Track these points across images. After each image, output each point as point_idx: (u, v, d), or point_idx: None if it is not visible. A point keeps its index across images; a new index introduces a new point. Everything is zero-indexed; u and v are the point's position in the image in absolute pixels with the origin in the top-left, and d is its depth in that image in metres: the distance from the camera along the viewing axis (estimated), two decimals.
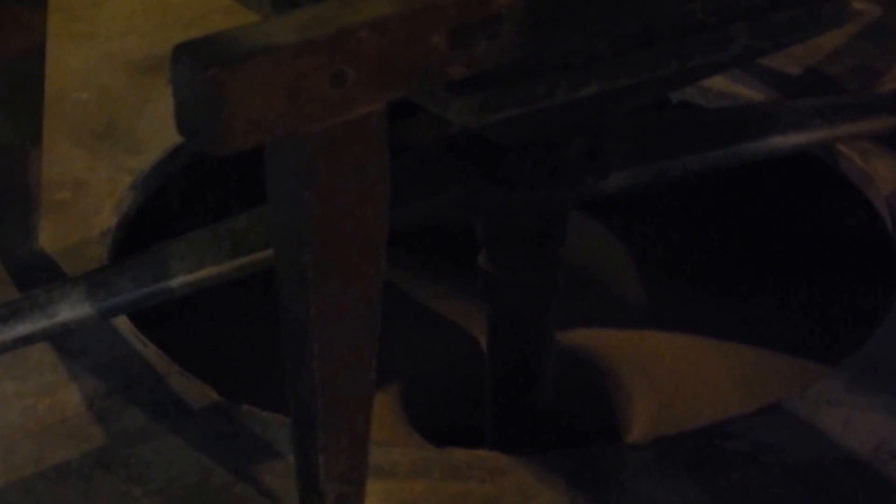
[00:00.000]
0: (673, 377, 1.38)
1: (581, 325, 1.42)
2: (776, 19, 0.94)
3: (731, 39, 0.93)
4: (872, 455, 1.05)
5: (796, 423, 1.09)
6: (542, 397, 1.21)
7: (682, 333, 1.42)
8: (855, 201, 1.35)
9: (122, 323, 1.18)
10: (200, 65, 0.76)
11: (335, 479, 0.93)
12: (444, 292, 1.44)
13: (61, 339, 1.15)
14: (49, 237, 1.26)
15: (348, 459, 0.93)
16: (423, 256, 1.45)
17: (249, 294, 1.24)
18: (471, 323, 1.39)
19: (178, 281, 1.05)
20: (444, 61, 0.81)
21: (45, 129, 1.21)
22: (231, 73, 0.76)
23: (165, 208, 1.36)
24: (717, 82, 1.40)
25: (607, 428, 1.35)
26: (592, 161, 1.06)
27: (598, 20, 0.88)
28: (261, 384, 1.21)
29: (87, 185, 1.32)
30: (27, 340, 1.05)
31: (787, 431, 1.08)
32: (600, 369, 1.39)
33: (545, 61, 0.88)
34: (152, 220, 1.33)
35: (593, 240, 1.47)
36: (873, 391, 1.11)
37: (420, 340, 1.41)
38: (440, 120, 0.88)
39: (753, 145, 1.18)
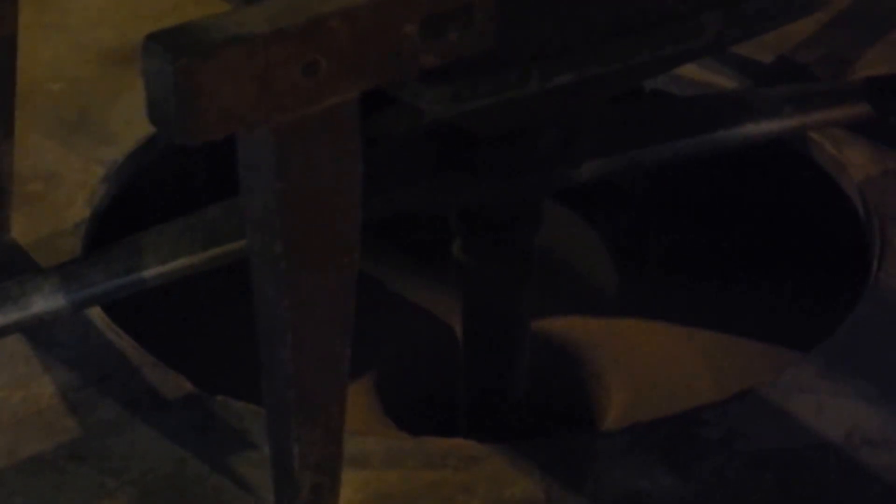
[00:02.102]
0: (647, 365, 1.38)
1: (555, 314, 1.42)
2: (748, 7, 0.94)
3: (703, 28, 0.93)
4: (844, 441, 1.06)
5: (769, 409, 1.09)
6: (517, 386, 1.21)
7: (656, 321, 1.42)
8: (827, 189, 1.35)
9: (96, 314, 1.17)
10: (172, 55, 0.76)
11: (310, 469, 0.92)
12: (419, 282, 1.44)
13: (34, 331, 1.14)
14: (21, 229, 1.25)
15: (323, 449, 0.92)
16: (397, 246, 1.45)
17: (223, 285, 1.24)
18: (445, 312, 1.39)
19: (151, 272, 1.05)
20: (416, 51, 0.81)
21: (16, 120, 1.21)
22: (202, 63, 0.76)
23: (138, 200, 1.35)
24: (690, 70, 1.40)
25: (582, 416, 1.35)
26: (565, 150, 1.06)
27: (570, 9, 0.88)
28: (235, 375, 1.20)
29: (60, 177, 1.31)
30: (0, 332, 1.05)
31: (760, 418, 1.08)
32: (575, 358, 1.39)
33: (517, 51, 0.87)
34: (125, 212, 1.32)
35: (567, 228, 1.47)
36: (845, 378, 1.11)
37: (394, 330, 1.41)
38: (413, 110, 0.88)
39: (726, 133, 1.18)
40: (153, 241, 1.05)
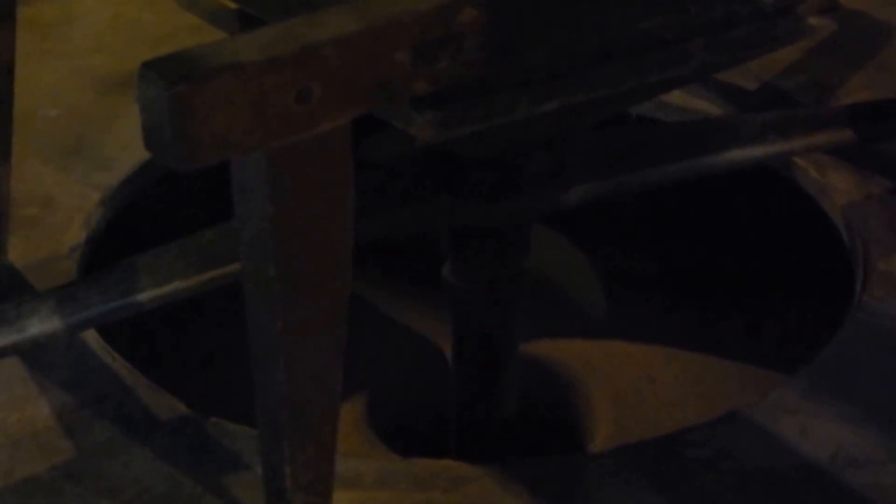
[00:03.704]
0: (634, 387, 1.39)
1: (545, 337, 1.42)
2: (733, 35, 0.94)
3: (689, 55, 0.93)
4: (829, 462, 1.06)
5: (754, 430, 1.09)
6: (506, 408, 1.22)
7: (643, 344, 1.42)
8: (811, 213, 1.36)
9: (91, 337, 1.17)
10: (167, 82, 0.76)
11: (302, 490, 0.92)
12: (409, 304, 1.45)
13: (31, 354, 1.14)
14: (18, 252, 1.26)
15: (315, 470, 0.92)
16: (389, 269, 1.45)
17: (217, 308, 1.24)
18: (435, 334, 1.39)
19: (146, 295, 1.05)
20: (407, 77, 0.82)
21: (14, 145, 1.21)
22: (197, 90, 0.76)
23: (134, 224, 1.35)
24: (676, 97, 1.41)
25: (570, 438, 1.36)
26: (554, 175, 1.06)
27: (559, 37, 0.89)
28: (228, 397, 1.20)
29: (56, 202, 1.32)
30: None
31: (745, 439, 1.08)
32: (563, 380, 1.40)
33: (506, 77, 0.88)
34: (121, 236, 1.32)
35: (556, 252, 1.48)
36: (830, 399, 1.11)
37: (386, 352, 1.41)
38: (404, 135, 0.88)
39: (711, 159, 1.19)
40: (148, 265, 1.05)
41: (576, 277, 1.49)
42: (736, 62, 1.00)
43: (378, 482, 1.05)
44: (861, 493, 1.03)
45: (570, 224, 1.44)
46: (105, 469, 1.06)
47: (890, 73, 1.43)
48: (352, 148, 0.83)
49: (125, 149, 1.36)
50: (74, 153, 1.37)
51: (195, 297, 1.07)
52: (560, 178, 1.06)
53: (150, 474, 1.05)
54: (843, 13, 1.51)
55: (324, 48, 0.79)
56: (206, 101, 0.76)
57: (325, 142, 0.82)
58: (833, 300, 1.31)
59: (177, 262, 1.05)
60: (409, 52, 0.81)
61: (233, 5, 1.01)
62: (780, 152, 1.22)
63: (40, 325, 1.05)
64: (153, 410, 1.11)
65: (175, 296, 1.05)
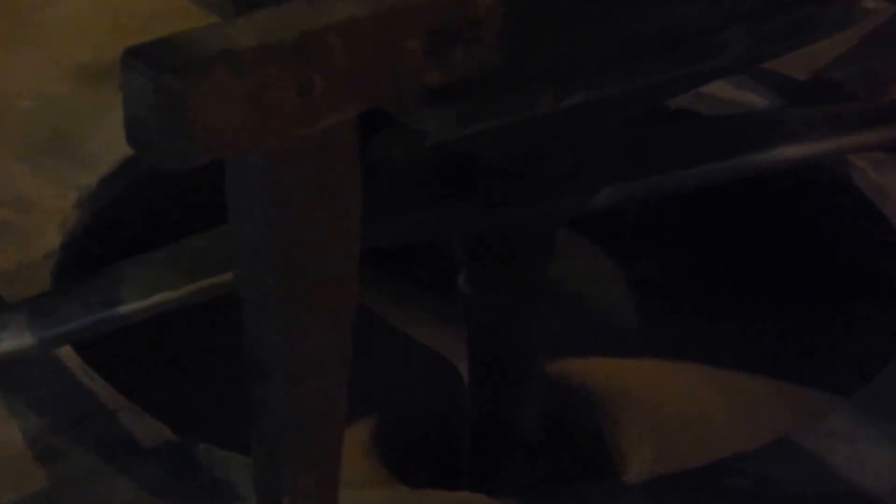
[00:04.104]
0: (671, 409, 1.39)
1: (570, 353, 1.43)
2: (777, 22, 0.94)
3: (730, 43, 0.94)
4: (889, 495, 1.06)
5: (806, 458, 1.09)
6: (528, 432, 1.23)
7: (681, 361, 1.42)
8: (869, 216, 1.36)
9: (67, 353, 1.18)
10: (153, 72, 0.77)
11: None
12: (422, 317, 1.45)
13: (1, 372, 1.15)
14: None
15: (316, 501, 0.93)
16: (399, 279, 1.45)
17: (207, 321, 1.25)
18: (450, 351, 1.39)
19: (130, 307, 1.06)
20: (419, 69, 0.82)
21: None
22: (188, 82, 0.77)
23: (116, 228, 1.36)
24: (716, 88, 1.41)
25: (600, 466, 1.36)
26: (579, 176, 1.07)
27: (585, 25, 0.89)
28: (220, 420, 1.21)
29: (31, 203, 1.32)
30: None
31: (795, 466, 1.09)
32: (592, 401, 1.40)
33: (528, 69, 0.89)
34: (101, 241, 1.33)
35: (583, 260, 1.48)
36: (890, 425, 1.11)
37: (395, 370, 1.42)
38: (415, 132, 0.89)
39: (755, 157, 1.19)
40: (132, 273, 1.06)
41: (604, 288, 1.50)
42: (781, 52, 1.00)
43: None
44: None
45: (589, 226, 1.44)
46: (86, 498, 1.07)
47: None
48: (358, 146, 0.84)
49: (107, 145, 1.37)
50: (51, 150, 1.38)
51: (184, 309, 1.08)
52: (586, 179, 1.07)
53: None
54: None
55: (327, 35, 0.80)
56: (198, 94, 0.77)
57: (328, 139, 0.83)
58: (893, 313, 1.31)
59: (164, 271, 1.06)
60: (421, 40, 0.82)
61: None
62: (832, 149, 1.23)
63: (11, 339, 1.06)
64: (136, 435, 1.12)
65: (162, 308, 1.06)
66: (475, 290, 1.15)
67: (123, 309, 1.06)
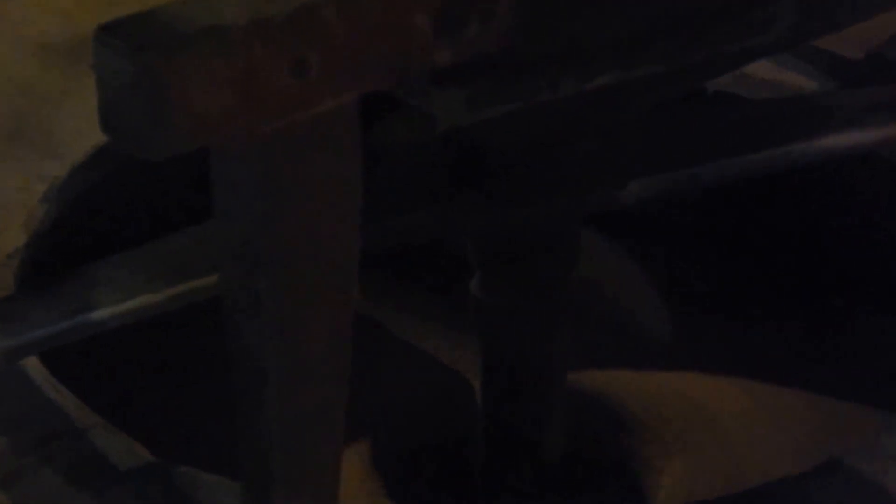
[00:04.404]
0: (706, 427, 1.39)
1: (595, 365, 1.43)
2: None
3: (775, 18, 0.94)
4: None
5: (858, 481, 1.09)
6: (549, 454, 1.23)
7: (720, 375, 1.42)
8: None
9: (33, 365, 1.18)
10: (131, 50, 0.77)
11: None
12: (429, 326, 1.45)
13: None
14: None
15: None
16: (403, 282, 1.46)
17: (191, 328, 1.25)
18: (461, 363, 1.40)
19: (104, 313, 1.06)
20: (428, 46, 0.83)
21: None
22: (169, 60, 0.77)
23: (88, 224, 1.36)
24: (762, 69, 1.41)
25: (627, 491, 1.36)
26: (607, 168, 1.07)
27: None
28: (204, 440, 1.21)
29: None
30: None
31: (847, 492, 1.09)
32: (618, 418, 1.40)
33: (548, 47, 0.89)
34: (71, 239, 1.33)
35: (610, 262, 1.48)
36: None
37: (399, 385, 1.42)
38: (423, 118, 0.89)
39: (805, 145, 1.20)
40: (106, 275, 1.06)
41: (634, 293, 1.50)
42: (833, 28, 1.00)
43: None
44: None
45: (628, 227, 1.44)
46: None
47: None
48: (360, 133, 0.84)
49: (79, 132, 1.37)
50: (15, 137, 1.38)
51: (165, 315, 1.08)
52: (614, 171, 1.07)
53: None
54: None
55: (324, 9, 0.80)
56: (181, 74, 0.78)
57: (326, 125, 0.83)
58: None
59: (142, 273, 1.06)
60: (430, 15, 0.82)
61: None
62: (888, 137, 1.23)
63: None
64: (110, 456, 1.12)
65: (140, 313, 1.06)
66: (489, 296, 1.15)
67: (96, 315, 1.06)
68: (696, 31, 0.92)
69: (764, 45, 0.95)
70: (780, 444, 1.37)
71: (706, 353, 1.44)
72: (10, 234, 1.30)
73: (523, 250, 1.12)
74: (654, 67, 0.92)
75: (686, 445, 1.38)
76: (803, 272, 1.48)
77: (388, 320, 1.45)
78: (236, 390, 0.91)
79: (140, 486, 1.10)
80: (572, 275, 1.16)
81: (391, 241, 1.07)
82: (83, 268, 1.07)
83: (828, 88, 1.41)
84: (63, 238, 1.34)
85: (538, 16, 0.85)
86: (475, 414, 1.25)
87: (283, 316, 0.87)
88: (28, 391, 1.17)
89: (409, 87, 0.88)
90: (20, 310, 1.07)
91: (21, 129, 1.39)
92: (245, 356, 0.89)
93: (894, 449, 1.12)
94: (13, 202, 1.32)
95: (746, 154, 1.18)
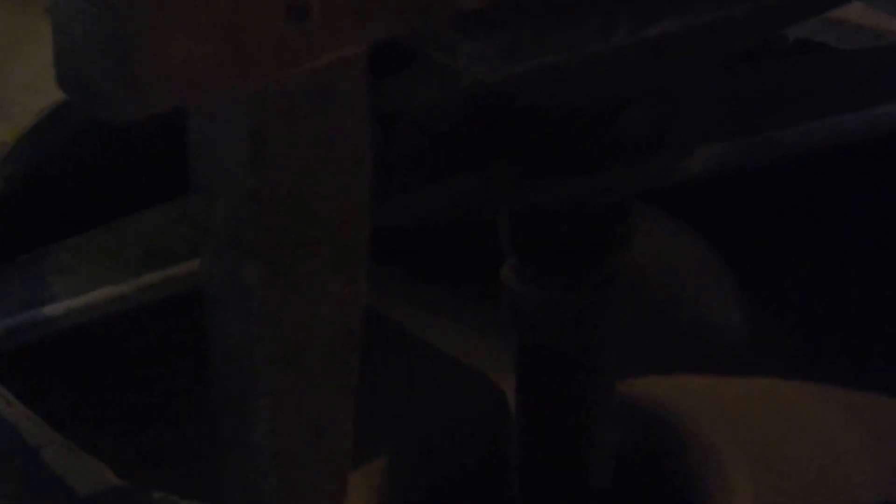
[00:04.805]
0: (787, 445, 1.39)
1: (653, 370, 1.43)
2: None
3: None
4: None
5: None
6: (596, 473, 1.23)
7: (802, 382, 1.42)
8: None
9: None
10: None
11: None
12: (453, 322, 1.45)
13: None
14: None
15: None
16: (422, 271, 1.46)
17: (163, 325, 1.25)
18: (491, 366, 1.40)
19: (60, 307, 1.06)
20: None
21: None
22: (143, 3, 0.77)
23: (41, 200, 1.37)
24: (855, 11, 1.41)
25: None
26: (667, 132, 1.07)
27: None
28: (179, 459, 1.21)
29: None
30: None
31: None
32: (680, 433, 1.40)
33: None
34: (21, 218, 1.34)
35: (674, 245, 1.48)
36: None
37: (418, 393, 1.42)
38: (445, 72, 0.89)
39: None
40: (63, 262, 1.07)
41: (702, 284, 1.50)
42: None
43: None
44: None
45: (696, 205, 1.44)
46: None
47: None
48: (369, 92, 0.84)
49: (29, 88, 1.38)
50: None
51: (133, 310, 1.08)
52: (677, 136, 1.07)
53: None
54: None
55: None
56: (156, 18, 0.77)
57: (328, 81, 0.83)
58: None
59: (106, 259, 1.06)
60: None
61: None
62: None
63: None
64: (70, 479, 1.12)
65: (103, 308, 1.06)
66: (525, 286, 1.15)
67: (51, 310, 1.06)
68: None
69: None
70: (874, 463, 1.37)
71: (791, 357, 1.44)
72: None
73: (566, 231, 1.12)
74: (725, 11, 0.92)
75: (760, 464, 1.38)
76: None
77: (402, 318, 1.45)
78: (219, 401, 0.91)
79: None
80: (625, 261, 1.16)
81: (409, 220, 1.07)
82: (34, 253, 1.07)
83: None
84: (9, 218, 1.34)
85: None
86: (508, 426, 1.25)
87: (275, 312, 0.87)
88: None
89: (428, 36, 0.88)
90: None
91: None
92: (230, 358, 0.89)
93: None
94: None
95: (837, 115, 1.17)
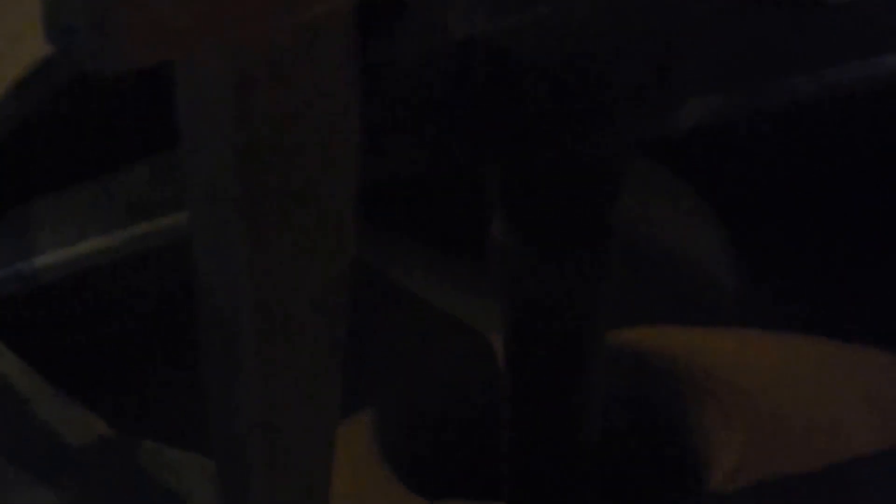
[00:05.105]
0: (778, 396, 1.39)
1: (645, 321, 1.43)
2: None
3: None
4: None
5: None
6: (586, 428, 1.23)
7: (794, 334, 1.43)
8: None
9: None
10: None
11: None
12: (441, 277, 1.45)
13: None
14: None
15: None
16: (411, 226, 1.46)
17: (150, 276, 1.25)
18: (480, 320, 1.40)
19: (47, 259, 1.06)
20: None
21: None
22: None
23: (25, 154, 1.36)
24: None
25: (681, 470, 1.37)
26: (661, 82, 1.06)
27: None
28: (170, 409, 1.22)
29: None
30: None
31: None
32: (670, 385, 1.41)
33: None
34: (5, 173, 1.33)
35: (665, 195, 1.48)
36: None
37: (407, 348, 1.42)
38: (435, 25, 0.88)
39: None
40: (50, 215, 1.07)
41: (694, 236, 1.50)
42: None
43: None
44: None
45: (689, 157, 1.44)
46: None
47: None
48: (356, 45, 0.83)
49: (16, 40, 1.37)
50: None
51: (120, 262, 1.08)
52: (671, 86, 1.07)
53: None
54: None
55: None
56: None
57: (315, 33, 0.82)
58: None
59: (92, 212, 1.06)
60: None
61: None
62: None
63: None
64: (59, 429, 1.12)
65: (89, 260, 1.06)
66: (514, 240, 1.14)
67: (40, 262, 1.06)
68: None
69: None
70: (863, 415, 1.37)
71: (784, 309, 1.44)
72: None
73: (557, 184, 1.12)
74: None
75: (752, 416, 1.38)
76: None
77: (392, 271, 1.45)
78: (206, 355, 0.91)
79: (94, 464, 1.11)
80: (616, 211, 1.15)
81: (398, 174, 1.07)
82: (21, 207, 1.07)
83: None
84: None
85: None
86: (497, 381, 1.25)
87: (263, 263, 0.87)
88: None
89: None
90: None
91: None
92: (217, 312, 0.89)
93: None
94: None
95: (847, 61, 1.16)
